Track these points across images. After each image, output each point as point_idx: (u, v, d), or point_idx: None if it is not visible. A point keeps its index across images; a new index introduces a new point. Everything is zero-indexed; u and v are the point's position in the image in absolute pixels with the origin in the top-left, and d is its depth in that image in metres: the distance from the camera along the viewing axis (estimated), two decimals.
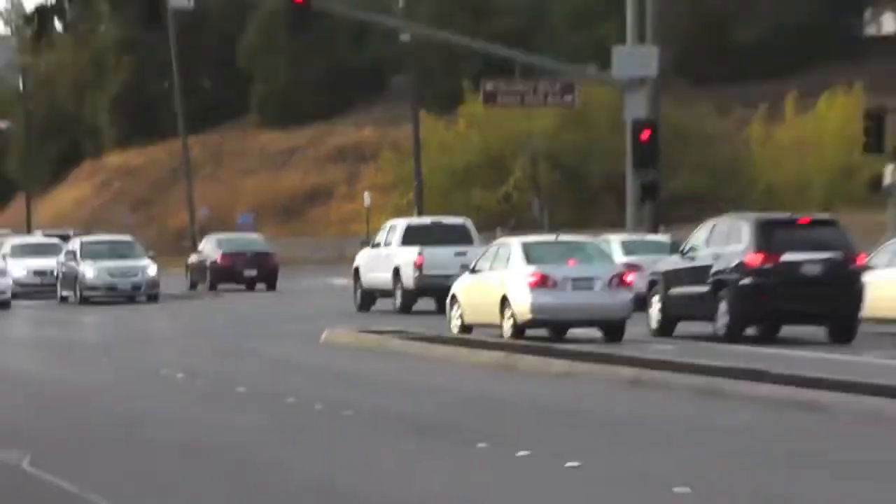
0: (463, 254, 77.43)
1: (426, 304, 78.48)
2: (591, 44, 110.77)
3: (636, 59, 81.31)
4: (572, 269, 58.26)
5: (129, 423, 38.56)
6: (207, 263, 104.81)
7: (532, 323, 57.14)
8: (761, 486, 26.74)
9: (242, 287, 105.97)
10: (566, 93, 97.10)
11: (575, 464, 27.83)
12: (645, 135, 78.24)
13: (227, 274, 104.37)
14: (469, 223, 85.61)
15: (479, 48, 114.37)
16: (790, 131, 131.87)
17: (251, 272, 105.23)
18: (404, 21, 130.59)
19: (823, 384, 39.23)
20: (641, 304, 60.99)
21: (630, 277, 59.52)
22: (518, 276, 57.51)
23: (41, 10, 16.71)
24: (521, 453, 29.56)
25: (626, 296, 58.38)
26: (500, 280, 58.90)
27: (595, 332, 57.75)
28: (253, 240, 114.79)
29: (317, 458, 30.02)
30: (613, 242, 71.92)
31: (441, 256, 77.43)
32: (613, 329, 57.33)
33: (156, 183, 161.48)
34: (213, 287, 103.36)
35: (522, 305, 56.46)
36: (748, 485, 26.55)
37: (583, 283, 57.73)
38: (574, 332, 58.01)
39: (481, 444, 31.11)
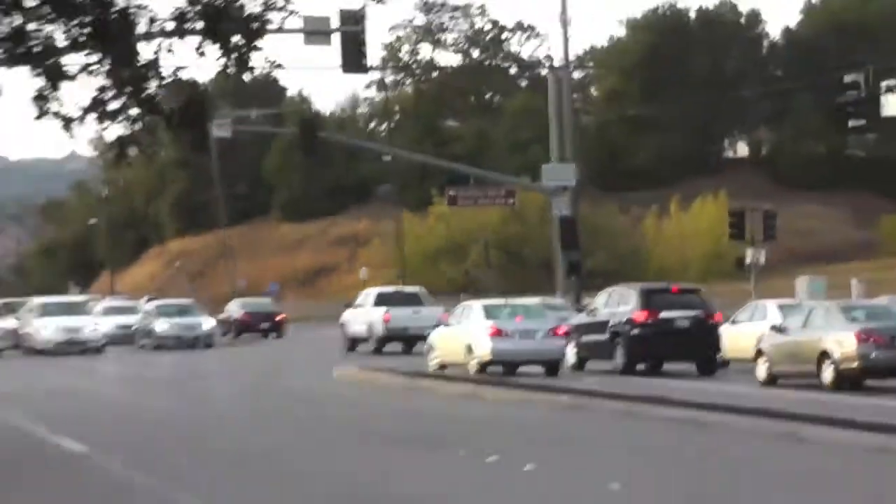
0: (418, 312, 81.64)
1: (393, 347, 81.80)
2: (525, 162, 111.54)
3: (559, 172, 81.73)
4: (520, 323, 58.70)
5: (197, 435, 38.53)
6: (231, 319, 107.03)
7: (491, 363, 57.43)
8: (673, 484, 26.58)
9: (260, 335, 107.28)
10: (508, 197, 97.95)
11: (531, 467, 27.89)
12: (567, 225, 79.23)
13: (246, 326, 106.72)
14: (422, 291, 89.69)
15: (443, 165, 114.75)
16: (674, 226, 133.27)
17: (265, 325, 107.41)
18: (388, 147, 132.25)
19: (710, 407, 39.50)
20: None
21: (562, 329, 59.48)
22: (480, 328, 57.79)
23: (121, 140, 16.30)
24: (491, 459, 30.22)
25: (560, 342, 58.88)
26: (466, 331, 59.16)
27: (538, 369, 57.92)
28: (265, 303, 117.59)
29: (339, 463, 30.11)
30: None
31: (401, 314, 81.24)
32: (552, 367, 57.81)
33: (206, 262, 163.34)
34: (237, 336, 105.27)
35: (484, 350, 56.81)
36: (664, 483, 26.55)
37: (528, 334, 58.02)
38: (522, 369, 57.62)
39: (461, 452, 31.09)
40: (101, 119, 14.07)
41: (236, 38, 12.88)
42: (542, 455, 30.64)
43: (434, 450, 32.94)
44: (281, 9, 12.26)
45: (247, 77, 12.61)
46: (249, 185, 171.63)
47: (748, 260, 75.94)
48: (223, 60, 13.56)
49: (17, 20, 11.42)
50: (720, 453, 32.13)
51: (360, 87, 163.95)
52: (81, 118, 16.02)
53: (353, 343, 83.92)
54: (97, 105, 13.51)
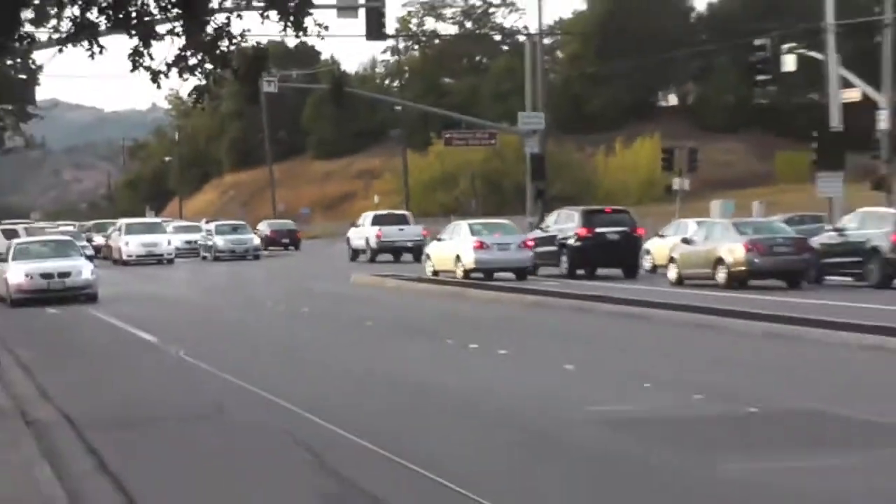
0: (402, 230, 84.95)
1: (385, 257, 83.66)
2: (505, 111, 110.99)
3: (531, 119, 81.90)
4: (497, 238, 59.17)
5: (240, 330, 39.42)
6: (262, 235, 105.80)
7: (474, 270, 57.85)
8: (616, 364, 27.25)
9: (282, 249, 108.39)
10: (491, 139, 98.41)
11: (504, 352, 28.96)
12: (539, 162, 79.15)
13: (273, 241, 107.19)
14: (408, 214, 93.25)
15: (441, 113, 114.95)
16: (618, 161, 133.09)
17: (285, 240, 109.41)
18: (399, 99, 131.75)
19: (642, 303, 40.77)
20: None
21: (530, 242, 60.24)
22: (466, 242, 58.40)
23: (198, 89, 16.70)
24: (472, 346, 31.15)
25: (528, 254, 59.30)
26: (455, 245, 59.84)
27: (510, 276, 58.22)
28: (287, 223, 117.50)
29: (361, 351, 30.90)
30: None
31: (390, 231, 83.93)
32: (522, 273, 58.46)
33: (254, 192, 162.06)
34: (266, 248, 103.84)
35: (469, 260, 57.40)
36: (609, 365, 27.20)
37: (503, 246, 58.50)
38: (498, 275, 57.79)
39: (449, 341, 32.12)
40: (181, 73, 14.61)
41: (292, 6, 13.28)
42: (513, 342, 32.22)
43: (426, 339, 34.25)
44: None
45: (298, 39, 12.99)
46: (289, 131, 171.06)
47: (675, 187, 76.19)
48: (282, 25, 13.95)
49: None
50: (649, 338, 33.68)
51: (378, 51, 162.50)
52: (166, 72, 16.53)
53: (356, 254, 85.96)
54: (179, 61, 14.07)
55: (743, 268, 49.23)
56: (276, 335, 37.80)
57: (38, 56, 37.05)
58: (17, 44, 19.49)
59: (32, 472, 16.44)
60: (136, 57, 15.90)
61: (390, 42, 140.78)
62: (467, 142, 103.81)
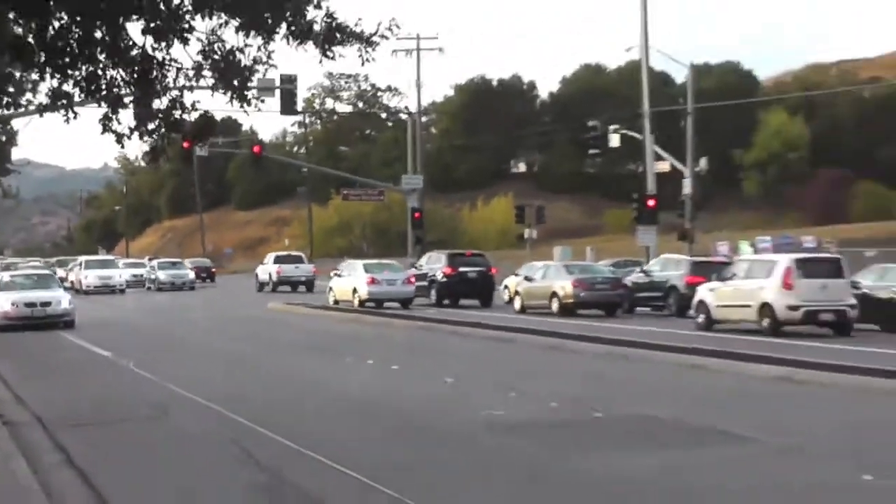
0: (298, 267, 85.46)
1: (284, 288, 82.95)
2: (391, 174, 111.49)
3: (412, 180, 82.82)
4: (386, 275, 58.94)
5: (179, 346, 38.86)
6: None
7: (368, 300, 57.51)
8: (486, 377, 26.97)
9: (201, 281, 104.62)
10: (380, 195, 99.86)
11: (396, 367, 28.49)
12: (417, 215, 78.70)
13: (196, 275, 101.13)
14: (303, 255, 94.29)
15: (339, 174, 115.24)
16: (480, 215, 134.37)
17: (204, 275, 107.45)
18: (305, 162, 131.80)
19: (504, 328, 40.67)
20: None
21: (413, 279, 59.60)
22: (361, 278, 58.30)
23: (153, 149, 16.10)
24: (370, 361, 30.56)
25: (412, 287, 58.90)
26: (352, 280, 59.55)
27: (396, 305, 57.54)
28: (206, 261, 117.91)
29: (274, 361, 30.34)
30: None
31: (288, 268, 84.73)
32: (406, 303, 58.01)
33: (187, 234, 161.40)
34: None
35: (363, 292, 57.24)
36: (480, 378, 26.89)
37: (391, 282, 58.23)
38: (387, 304, 57.37)
39: (348, 358, 31.74)
40: (141, 136, 14.16)
41: (236, 83, 12.81)
42: (403, 359, 31.98)
43: (332, 356, 33.81)
44: (263, 63, 12.21)
45: (242, 109, 12.62)
46: (216, 185, 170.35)
47: (526, 236, 76.45)
48: (228, 97, 13.47)
49: (90, 68, 11.42)
50: (511, 356, 33.62)
51: (288, 124, 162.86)
52: (129, 135, 15.96)
53: (262, 286, 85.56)
54: (139, 126, 13.57)
55: (571, 300, 50.70)
56: (209, 351, 37.14)
57: (15, 122, 36.20)
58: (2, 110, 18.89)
59: (9, 466, 15.91)
60: (105, 122, 15.46)
61: (298, 117, 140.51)
62: (360, 197, 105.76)
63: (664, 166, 68.95)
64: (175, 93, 11.98)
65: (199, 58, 11.62)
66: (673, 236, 68.73)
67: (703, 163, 71.06)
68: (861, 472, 15.31)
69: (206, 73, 11.77)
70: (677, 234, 66.31)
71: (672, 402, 22.66)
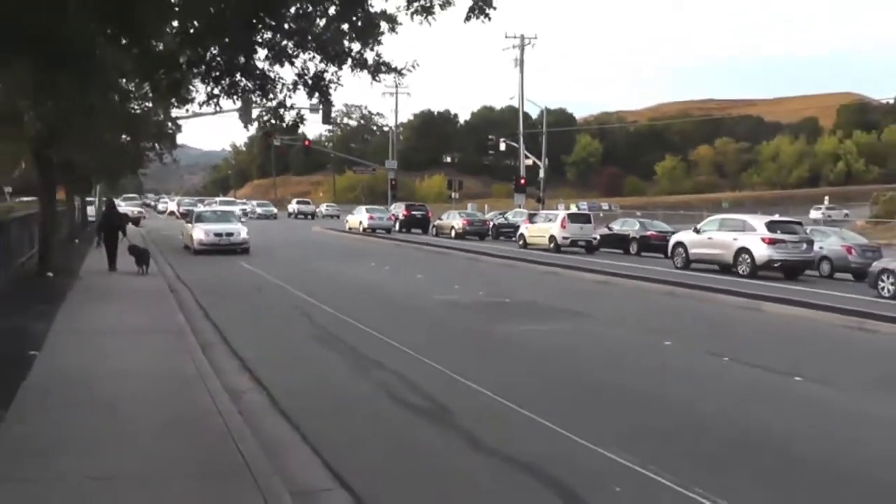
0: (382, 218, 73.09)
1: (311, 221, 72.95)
2: (379, 159, 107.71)
3: (391, 164, 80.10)
4: (378, 214, 54.48)
5: (266, 249, 36.04)
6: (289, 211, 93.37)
7: (367, 228, 52.72)
8: (441, 277, 25.71)
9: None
10: (373, 171, 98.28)
11: (388, 268, 26.97)
12: (394, 183, 76.56)
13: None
14: (324, 205, 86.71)
15: (351, 158, 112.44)
16: (426, 184, 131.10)
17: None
18: (332, 151, 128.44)
19: (443, 246, 38.25)
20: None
21: (392, 217, 55.34)
22: (364, 216, 54.30)
23: (267, 133, 14.68)
24: (372, 264, 29.07)
25: (391, 222, 54.35)
26: (359, 217, 55.19)
27: (383, 232, 53.18)
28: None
29: (322, 263, 28.80)
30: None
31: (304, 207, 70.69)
32: (388, 231, 52.85)
33: (267, 189, 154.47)
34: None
35: (365, 223, 53.16)
36: (438, 277, 25.57)
37: (381, 218, 53.92)
38: (378, 231, 53.07)
39: (359, 261, 30.15)
40: (261, 124, 13.28)
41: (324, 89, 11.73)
42: (391, 263, 29.69)
43: (349, 260, 31.95)
44: (335, 83, 11.34)
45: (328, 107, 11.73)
46: (282, 162, 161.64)
47: (452, 196, 75.25)
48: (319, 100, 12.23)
49: (232, 79, 10.62)
50: (452, 263, 30.97)
51: (324, 130, 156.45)
52: (252, 123, 14.90)
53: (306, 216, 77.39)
54: (259, 117, 12.77)
55: (461, 231, 48.37)
56: (281, 254, 34.99)
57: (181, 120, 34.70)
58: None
59: (175, 318, 14.89)
60: (245, 117, 14.64)
61: (328, 126, 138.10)
62: (363, 172, 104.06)
63: (529, 162, 67.94)
64: (281, 97, 10.93)
65: (296, 77, 10.64)
66: (532, 201, 67.68)
67: (546, 161, 69.80)
68: (660, 338, 14.54)
69: (300, 87, 10.77)
70: (535, 199, 65.23)
71: (561, 297, 21.16)
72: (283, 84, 10.70)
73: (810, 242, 26.66)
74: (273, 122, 11.47)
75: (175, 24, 9.28)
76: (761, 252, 25.75)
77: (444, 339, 14.29)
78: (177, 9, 8.98)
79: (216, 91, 10.23)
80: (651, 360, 12.80)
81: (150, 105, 25.57)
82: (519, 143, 65.55)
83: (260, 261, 29.19)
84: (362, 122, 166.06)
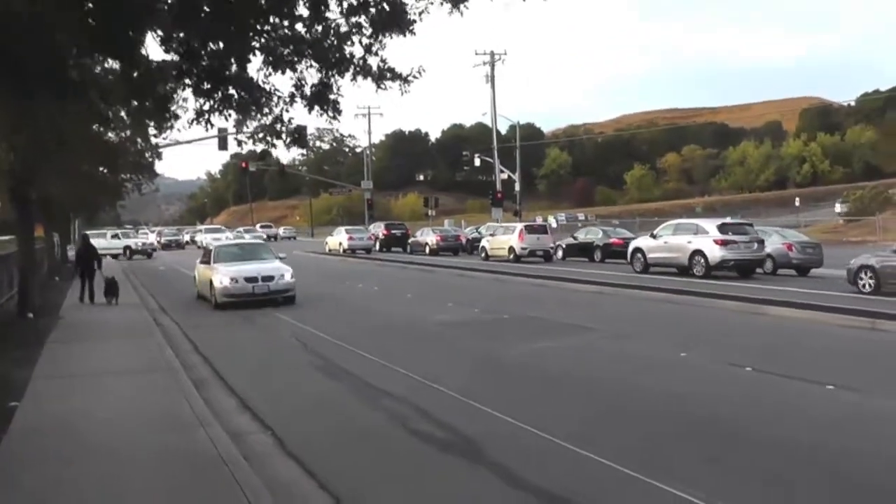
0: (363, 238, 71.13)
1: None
2: (352, 180, 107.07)
3: (367, 184, 79.86)
4: (358, 234, 53.43)
5: None
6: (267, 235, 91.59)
7: (348, 249, 51.62)
8: (432, 295, 24.73)
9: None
10: (350, 191, 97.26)
11: (377, 288, 26.02)
12: (370, 202, 75.51)
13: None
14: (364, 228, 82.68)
15: (326, 180, 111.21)
16: (400, 202, 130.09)
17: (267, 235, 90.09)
18: (307, 174, 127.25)
19: (427, 264, 37.45)
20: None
21: (371, 237, 54.35)
22: (343, 237, 53.48)
23: (262, 153, 13.48)
24: (360, 285, 27.96)
25: (371, 242, 53.36)
26: (338, 238, 54.12)
27: (363, 252, 52.11)
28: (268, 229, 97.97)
29: (316, 287, 27.48)
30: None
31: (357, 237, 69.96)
32: (368, 251, 51.62)
33: (243, 215, 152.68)
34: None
35: (345, 244, 51.84)
36: (429, 296, 24.57)
37: (361, 239, 52.91)
38: (358, 252, 51.85)
39: (347, 282, 29.13)
40: (254, 143, 12.14)
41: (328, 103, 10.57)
42: (378, 284, 28.79)
43: (335, 281, 30.75)
44: (336, 93, 10.24)
45: (332, 120, 10.43)
46: (257, 187, 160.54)
47: (429, 213, 74.07)
48: (320, 113, 10.94)
49: (224, 92, 9.60)
50: (446, 281, 29.81)
51: (297, 154, 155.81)
52: (244, 142, 13.40)
53: (330, 252, 76.46)
54: (253, 136, 11.59)
55: (436, 247, 47.68)
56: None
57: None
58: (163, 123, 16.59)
59: (164, 354, 13.85)
60: (222, 142, 13.37)
61: (302, 150, 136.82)
62: (339, 192, 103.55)
63: (504, 176, 67.26)
64: (277, 111, 9.93)
65: (293, 89, 9.65)
66: (509, 214, 66.84)
67: (519, 174, 69.05)
68: (675, 350, 13.69)
69: (298, 99, 9.78)
70: (512, 212, 64.38)
71: (561, 310, 19.66)
72: (280, 97, 9.77)
73: (761, 242, 27.09)
74: (269, 138, 10.49)
75: (161, 32, 8.31)
76: (714, 253, 26.32)
77: (452, 362, 13.28)
78: (166, 8, 8.00)
79: (206, 107, 9.27)
80: (675, 375, 11.90)
81: (129, 133, 24.53)
82: (493, 157, 64.72)
83: None
84: (334, 144, 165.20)
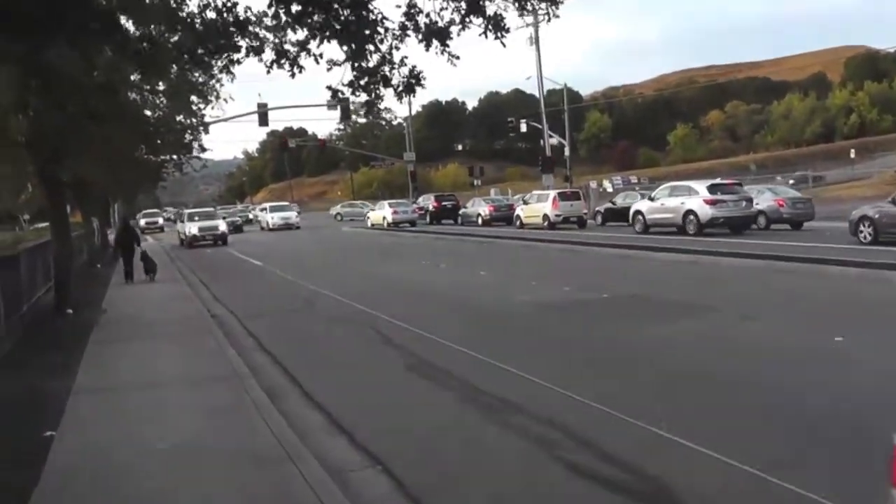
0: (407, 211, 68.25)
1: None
2: (397, 152, 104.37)
3: (409, 155, 77.17)
4: (401, 208, 51.72)
5: (297, 255, 33.05)
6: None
7: (392, 223, 49.67)
8: (508, 271, 22.20)
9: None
10: (392, 164, 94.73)
11: (443, 265, 23.64)
12: (413, 174, 73.38)
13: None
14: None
15: (366, 153, 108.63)
16: (441, 173, 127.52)
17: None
18: (342, 147, 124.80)
19: (482, 235, 35.17)
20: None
21: (417, 210, 52.86)
22: (387, 210, 52.43)
23: (368, 103, 10.60)
24: (423, 262, 25.53)
25: (415, 215, 51.53)
26: (382, 212, 52.39)
27: (407, 225, 49.76)
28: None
29: (363, 264, 25.45)
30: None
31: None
32: (413, 223, 49.71)
33: (282, 192, 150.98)
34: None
35: (389, 217, 50.16)
36: (504, 271, 21.96)
37: (405, 212, 51.64)
38: (401, 224, 49.46)
39: (407, 259, 26.83)
40: (353, 91, 9.59)
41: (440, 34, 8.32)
42: (444, 260, 26.28)
43: (395, 259, 28.47)
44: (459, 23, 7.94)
45: (449, 60, 8.22)
46: (296, 163, 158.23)
47: (475, 183, 72.01)
48: (436, 51, 8.66)
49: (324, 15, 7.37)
50: (518, 254, 27.51)
51: (334, 129, 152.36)
52: (340, 92, 10.52)
53: (340, 217, 73.56)
54: (353, 83, 9.14)
55: (489, 217, 46.15)
56: (324, 260, 31.99)
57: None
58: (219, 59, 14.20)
59: (226, 353, 11.72)
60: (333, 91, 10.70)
61: (339, 124, 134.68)
62: (380, 166, 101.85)
63: (554, 142, 64.73)
64: (384, 49, 7.56)
65: (404, 19, 7.32)
66: (559, 179, 64.18)
67: (568, 139, 66.37)
68: (823, 334, 11.28)
69: (410, 32, 7.42)
70: (563, 178, 61.78)
71: (660, 286, 17.32)
72: (387, 30, 7.51)
73: (749, 200, 28.76)
74: (373, 87, 8.17)
75: None
76: (705, 212, 28.10)
77: (575, 358, 10.87)
78: None
79: (299, 37, 6.97)
80: (851, 372, 9.50)
81: (167, 106, 22.44)
82: (542, 122, 61.99)
83: (293, 267, 26.02)
84: (371, 118, 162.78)
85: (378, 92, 8.47)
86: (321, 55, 7.38)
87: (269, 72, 8.16)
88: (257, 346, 13.06)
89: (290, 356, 11.94)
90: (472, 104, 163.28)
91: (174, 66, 17.54)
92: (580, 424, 7.65)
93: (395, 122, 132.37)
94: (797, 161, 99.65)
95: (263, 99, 68.68)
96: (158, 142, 26.32)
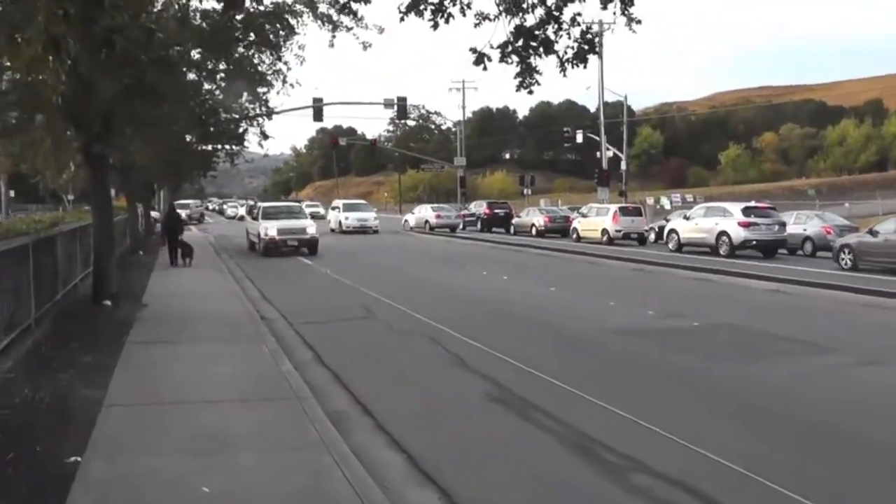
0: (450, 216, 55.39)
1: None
2: (447, 156, 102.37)
3: (460, 160, 76.13)
4: (444, 212, 51.46)
5: (350, 255, 31.23)
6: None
7: (434, 226, 49.35)
8: (576, 287, 20.41)
9: None
10: (442, 168, 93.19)
11: (506, 277, 22.05)
12: (462, 180, 72.07)
13: None
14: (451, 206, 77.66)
15: (416, 155, 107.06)
16: (487, 181, 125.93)
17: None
18: (391, 148, 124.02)
19: (544, 247, 33.39)
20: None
21: (462, 216, 52.07)
22: (430, 213, 51.82)
23: (521, 73, 8.99)
24: (484, 273, 23.82)
25: (460, 221, 51.06)
26: (423, 214, 51.57)
27: (446, 230, 48.31)
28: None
29: (427, 271, 23.80)
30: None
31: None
32: (454, 229, 48.74)
33: (328, 190, 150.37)
34: None
35: (432, 221, 49.11)
36: (573, 287, 20.26)
37: (448, 217, 50.84)
38: (439, 230, 48.03)
39: (467, 268, 25.25)
40: (504, 57, 7.85)
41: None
42: (505, 271, 24.39)
43: (450, 266, 26.60)
44: None
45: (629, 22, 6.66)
46: (344, 162, 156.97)
47: (525, 192, 70.54)
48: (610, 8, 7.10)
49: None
50: (583, 270, 25.54)
51: (382, 130, 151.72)
52: (487, 57, 8.53)
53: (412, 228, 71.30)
54: (504, 49, 7.46)
55: (543, 227, 44.32)
56: (385, 263, 30.26)
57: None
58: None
59: (280, 366, 10.22)
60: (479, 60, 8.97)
61: (390, 125, 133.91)
62: (430, 170, 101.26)
63: (610, 154, 62.86)
64: (550, 2, 6.00)
65: None
66: (615, 193, 62.45)
67: (626, 152, 64.66)
68: None
69: None
70: (618, 192, 60.07)
71: (758, 316, 15.27)
72: None
73: (783, 224, 29.23)
74: (531, 52, 6.55)
75: None
76: (738, 234, 28.45)
77: (675, 397, 9.25)
78: None
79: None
80: None
81: (225, 94, 21.12)
82: (600, 133, 60.24)
83: (342, 268, 24.55)
84: (420, 121, 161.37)
85: (538, 57, 6.84)
86: (469, 5, 5.86)
87: (402, 18, 6.63)
88: (315, 359, 11.59)
89: (355, 375, 10.42)
90: (523, 112, 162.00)
91: (239, 45, 16.04)
92: (718, 489, 6.07)
93: (443, 127, 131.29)
94: (853, 188, 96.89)
95: (317, 94, 67.69)
96: (212, 129, 25.04)
